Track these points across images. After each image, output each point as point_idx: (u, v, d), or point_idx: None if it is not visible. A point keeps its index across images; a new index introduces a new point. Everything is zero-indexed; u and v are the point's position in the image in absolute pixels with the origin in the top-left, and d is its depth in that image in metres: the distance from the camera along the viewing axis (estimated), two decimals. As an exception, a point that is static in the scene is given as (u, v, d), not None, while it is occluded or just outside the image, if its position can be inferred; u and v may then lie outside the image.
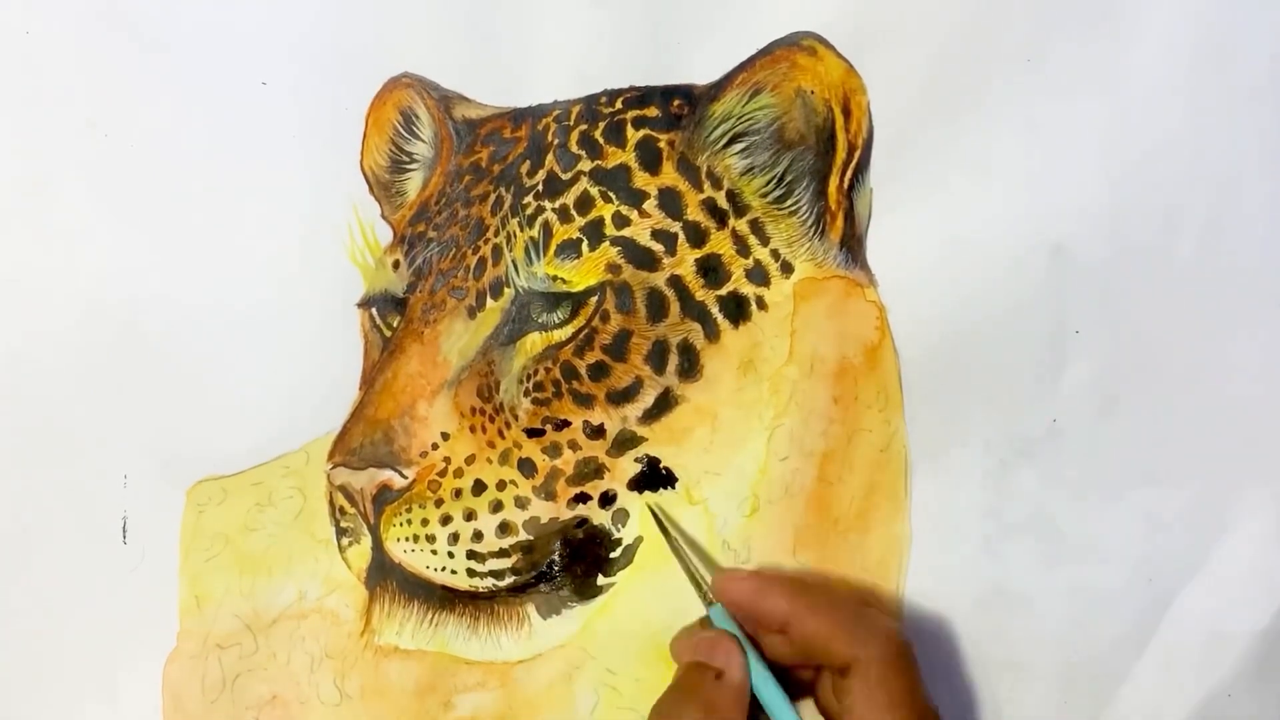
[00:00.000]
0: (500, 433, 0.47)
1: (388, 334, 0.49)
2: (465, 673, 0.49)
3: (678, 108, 0.48)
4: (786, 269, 0.48)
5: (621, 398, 0.47)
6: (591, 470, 0.47)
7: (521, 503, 0.47)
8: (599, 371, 0.47)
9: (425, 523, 0.47)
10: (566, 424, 0.47)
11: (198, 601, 0.50)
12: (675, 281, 0.47)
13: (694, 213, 0.47)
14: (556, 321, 0.47)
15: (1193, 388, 0.47)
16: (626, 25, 0.48)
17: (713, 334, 0.47)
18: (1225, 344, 0.47)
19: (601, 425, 0.47)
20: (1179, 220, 0.47)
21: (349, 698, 0.49)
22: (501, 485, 0.47)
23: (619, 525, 0.48)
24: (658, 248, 0.47)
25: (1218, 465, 0.48)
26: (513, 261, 0.47)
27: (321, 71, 0.50)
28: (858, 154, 0.47)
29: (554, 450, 0.47)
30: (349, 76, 0.50)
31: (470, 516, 0.47)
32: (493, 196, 0.49)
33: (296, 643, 0.50)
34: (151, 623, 0.50)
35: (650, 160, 0.48)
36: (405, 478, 0.47)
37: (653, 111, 0.48)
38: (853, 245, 0.48)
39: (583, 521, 0.48)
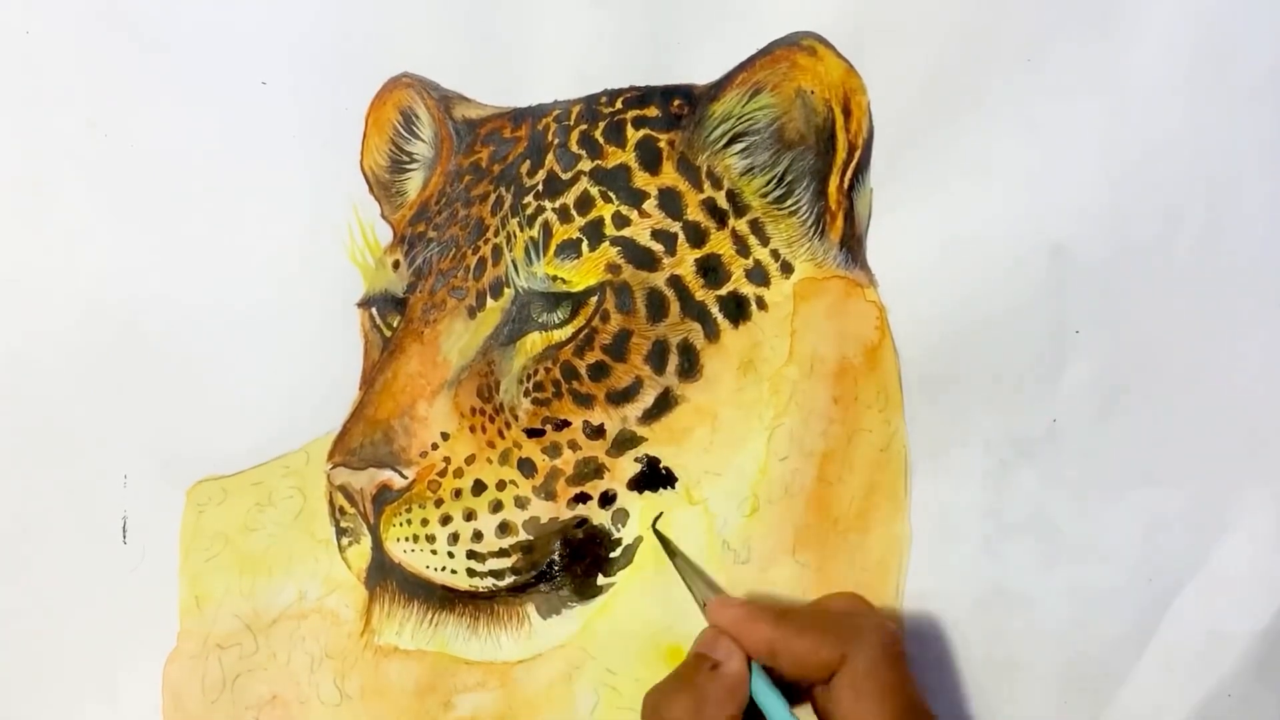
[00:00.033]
0: (500, 433, 0.47)
1: (388, 334, 0.49)
2: (465, 673, 0.49)
3: (678, 108, 0.48)
4: (786, 269, 0.48)
5: (621, 398, 0.47)
6: (591, 470, 0.47)
7: (521, 503, 0.47)
8: (599, 371, 0.47)
9: (425, 523, 0.47)
10: (566, 424, 0.47)
11: (198, 601, 0.50)
12: (675, 281, 0.47)
13: (694, 213, 0.47)
14: (556, 321, 0.47)
15: (1193, 388, 0.47)
16: (626, 25, 0.48)
17: (713, 334, 0.47)
18: (1225, 344, 0.47)
19: (601, 425, 0.47)
20: (1179, 220, 0.47)
21: (349, 698, 0.49)
22: (501, 485, 0.47)
23: (619, 525, 0.48)
24: (658, 248, 0.47)
25: (1218, 465, 0.48)
26: (513, 261, 0.47)
27: (321, 71, 0.50)
28: (858, 154, 0.47)
29: (554, 450, 0.47)
30: (349, 76, 0.50)
31: (470, 516, 0.47)
32: (493, 196, 0.49)
33: (296, 643, 0.50)
34: (151, 623, 0.50)
35: (650, 160, 0.48)
36: (405, 478, 0.47)
37: (653, 111, 0.48)
38: (853, 245, 0.48)
39: (583, 521, 0.48)
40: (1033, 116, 0.47)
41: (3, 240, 0.50)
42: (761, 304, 0.48)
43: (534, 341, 0.47)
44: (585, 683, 0.48)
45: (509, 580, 0.48)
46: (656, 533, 0.47)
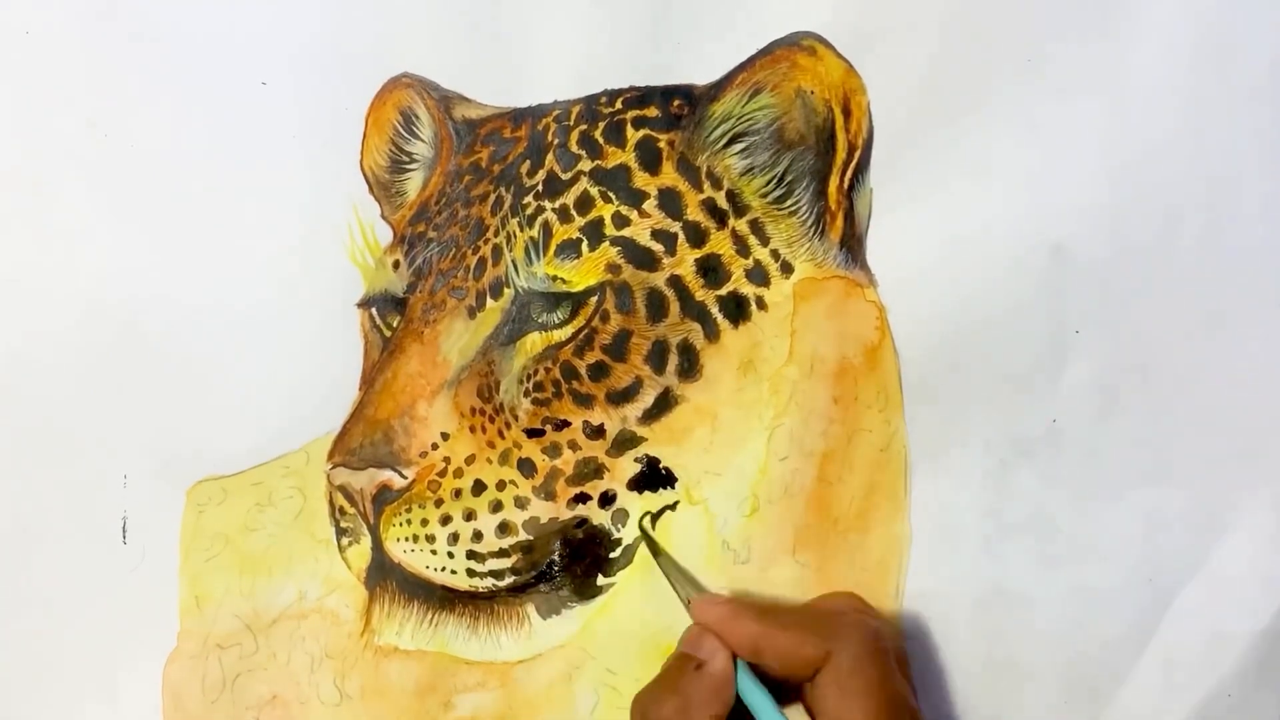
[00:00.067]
0: (500, 433, 0.47)
1: (388, 334, 0.49)
2: (465, 673, 0.49)
3: (678, 108, 0.48)
4: (786, 269, 0.48)
5: (621, 398, 0.47)
6: (591, 470, 0.47)
7: (521, 503, 0.47)
8: (599, 371, 0.47)
9: (425, 523, 0.47)
10: (566, 424, 0.47)
11: (198, 601, 0.50)
12: (675, 281, 0.47)
13: (694, 213, 0.47)
14: (556, 321, 0.47)
15: (1193, 388, 0.47)
16: (626, 25, 0.48)
17: (713, 334, 0.47)
18: (1225, 344, 0.47)
19: (601, 425, 0.47)
20: (1179, 220, 0.47)
21: (349, 698, 0.49)
22: (501, 485, 0.47)
23: (619, 525, 0.48)
24: (658, 248, 0.47)
25: (1218, 465, 0.48)
26: (513, 261, 0.47)
27: (321, 71, 0.50)
28: (858, 154, 0.47)
29: (554, 450, 0.47)
30: (349, 76, 0.50)
31: (470, 516, 0.47)
32: (493, 196, 0.49)
33: (296, 643, 0.50)
34: (151, 623, 0.50)
35: (650, 160, 0.48)
36: (405, 478, 0.47)
37: (653, 111, 0.48)
38: (853, 245, 0.48)
39: (582, 521, 0.48)
40: (1033, 116, 0.47)
41: (3, 240, 0.50)
42: (761, 304, 0.48)
43: (534, 341, 0.47)
44: (585, 683, 0.48)
45: (509, 580, 0.48)
46: (643, 531, 0.47)
